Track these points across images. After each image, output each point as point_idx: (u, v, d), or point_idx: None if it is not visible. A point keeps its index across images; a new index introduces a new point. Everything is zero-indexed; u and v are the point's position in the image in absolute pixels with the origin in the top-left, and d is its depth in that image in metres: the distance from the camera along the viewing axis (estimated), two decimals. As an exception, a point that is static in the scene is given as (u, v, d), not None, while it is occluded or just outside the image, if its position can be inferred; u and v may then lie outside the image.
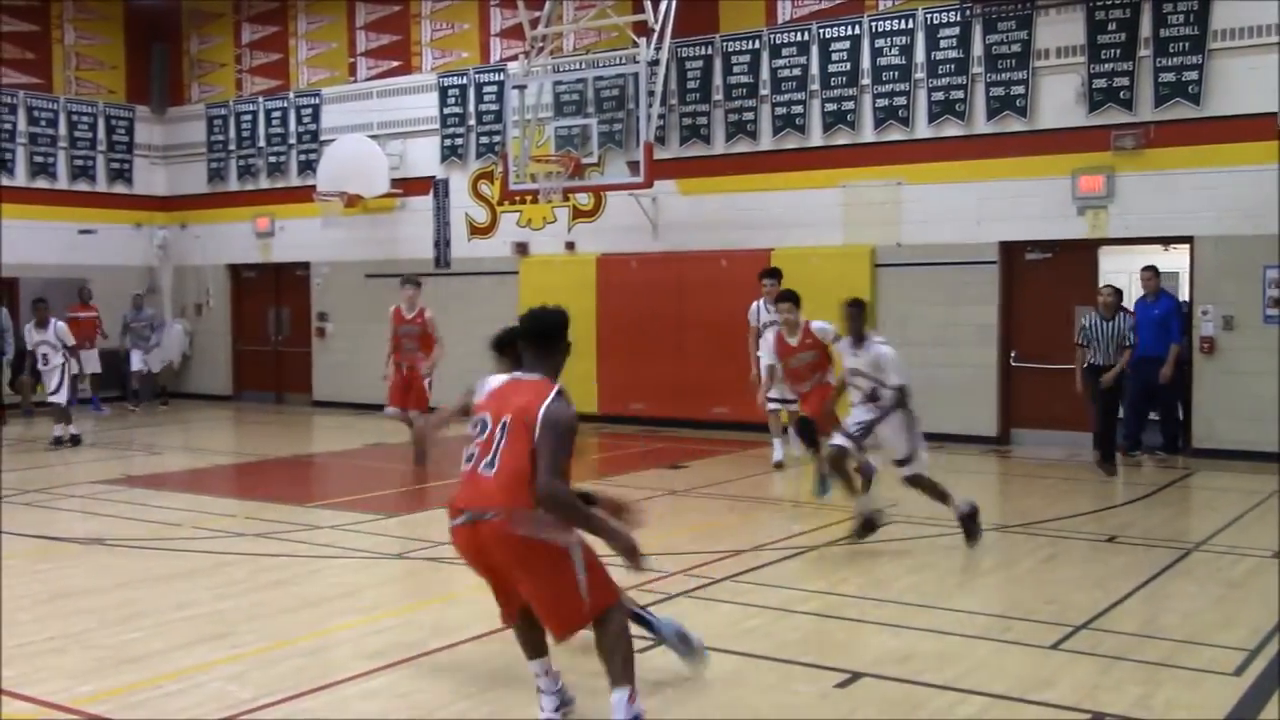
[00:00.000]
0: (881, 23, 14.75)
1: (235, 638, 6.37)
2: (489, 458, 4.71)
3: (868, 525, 8.54)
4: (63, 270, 19.42)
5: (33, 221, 19.20)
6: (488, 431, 4.77)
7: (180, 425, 17.82)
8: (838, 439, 8.66)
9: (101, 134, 20.69)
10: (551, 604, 4.66)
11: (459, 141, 18.08)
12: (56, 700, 5.39)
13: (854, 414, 8.67)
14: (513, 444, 4.67)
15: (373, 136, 18.51)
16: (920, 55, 14.50)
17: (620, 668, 4.67)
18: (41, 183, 19.88)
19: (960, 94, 14.24)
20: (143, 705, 5.35)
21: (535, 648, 5.00)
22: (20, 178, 19.59)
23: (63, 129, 20.15)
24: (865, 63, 14.82)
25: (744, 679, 5.60)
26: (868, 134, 14.89)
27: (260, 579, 7.78)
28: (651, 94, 15.05)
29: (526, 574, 4.66)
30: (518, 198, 16.96)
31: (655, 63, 14.91)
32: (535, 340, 5.00)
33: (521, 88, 16.12)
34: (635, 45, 15.24)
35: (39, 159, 19.88)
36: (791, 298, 10.87)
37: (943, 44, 14.39)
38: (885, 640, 6.28)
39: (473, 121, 17.90)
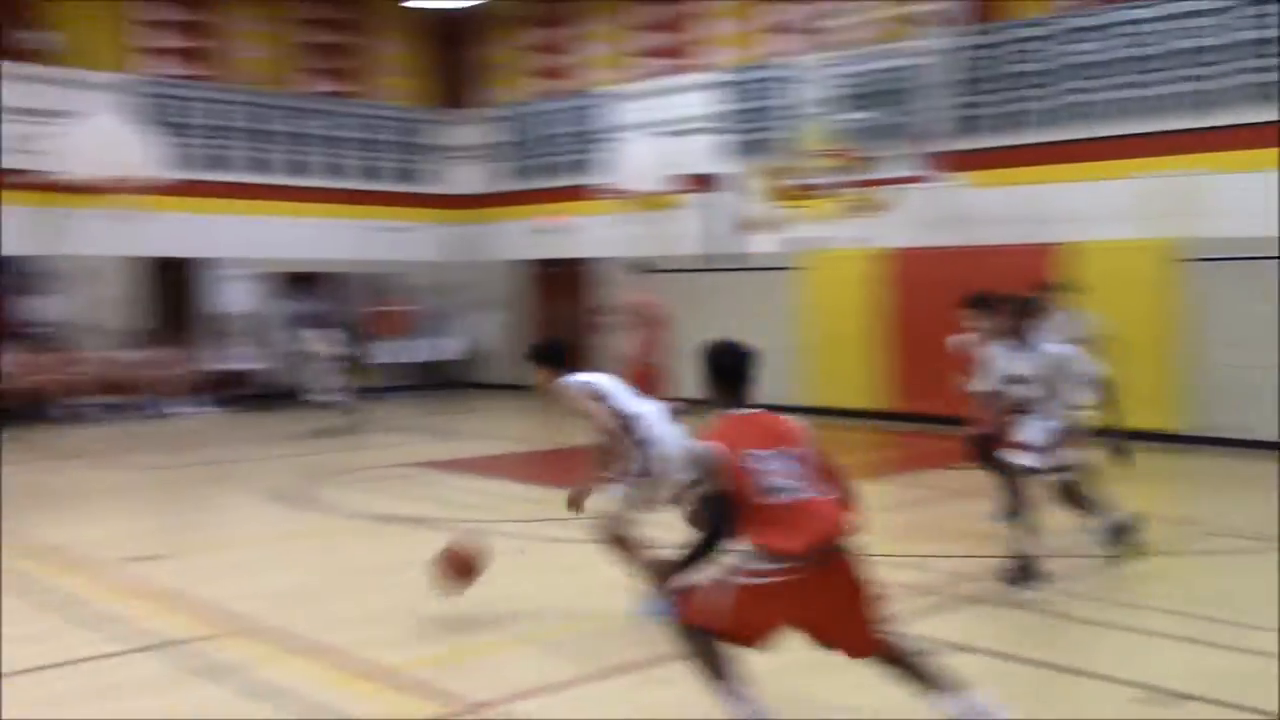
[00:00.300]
0: (1176, 4, 14.04)
1: (538, 619, 6.82)
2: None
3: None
4: (361, 265, 20.97)
5: (328, 219, 20.75)
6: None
7: (478, 414, 18.89)
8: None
9: (398, 136, 22.08)
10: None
11: (743, 137, 18.32)
12: (386, 663, 5.98)
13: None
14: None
15: (655, 134, 18.96)
16: (1221, 37, 13.72)
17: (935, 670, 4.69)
18: (341, 182, 21.33)
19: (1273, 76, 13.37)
20: (467, 670, 5.87)
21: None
22: (315, 178, 21.08)
23: (363, 132, 21.63)
24: (1163, 46, 14.14)
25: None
26: (1163, 121, 14.19)
27: (558, 562, 8.23)
28: (934, 85, 14.82)
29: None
30: (800, 193, 17.04)
31: (941, 52, 14.68)
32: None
33: (804, 82, 16.18)
34: (918, 36, 15.07)
35: (340, 160, 21.39)
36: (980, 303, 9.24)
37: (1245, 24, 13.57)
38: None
39: (754, 118, 18.11)
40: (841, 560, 4.53)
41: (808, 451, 4.66)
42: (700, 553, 4.55)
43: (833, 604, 4.53)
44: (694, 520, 4.79)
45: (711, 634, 4.57)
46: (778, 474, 4.53)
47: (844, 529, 4.55)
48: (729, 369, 4.85)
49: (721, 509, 4.51)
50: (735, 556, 4.56)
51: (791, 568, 4.43)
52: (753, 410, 4.77)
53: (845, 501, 4.65)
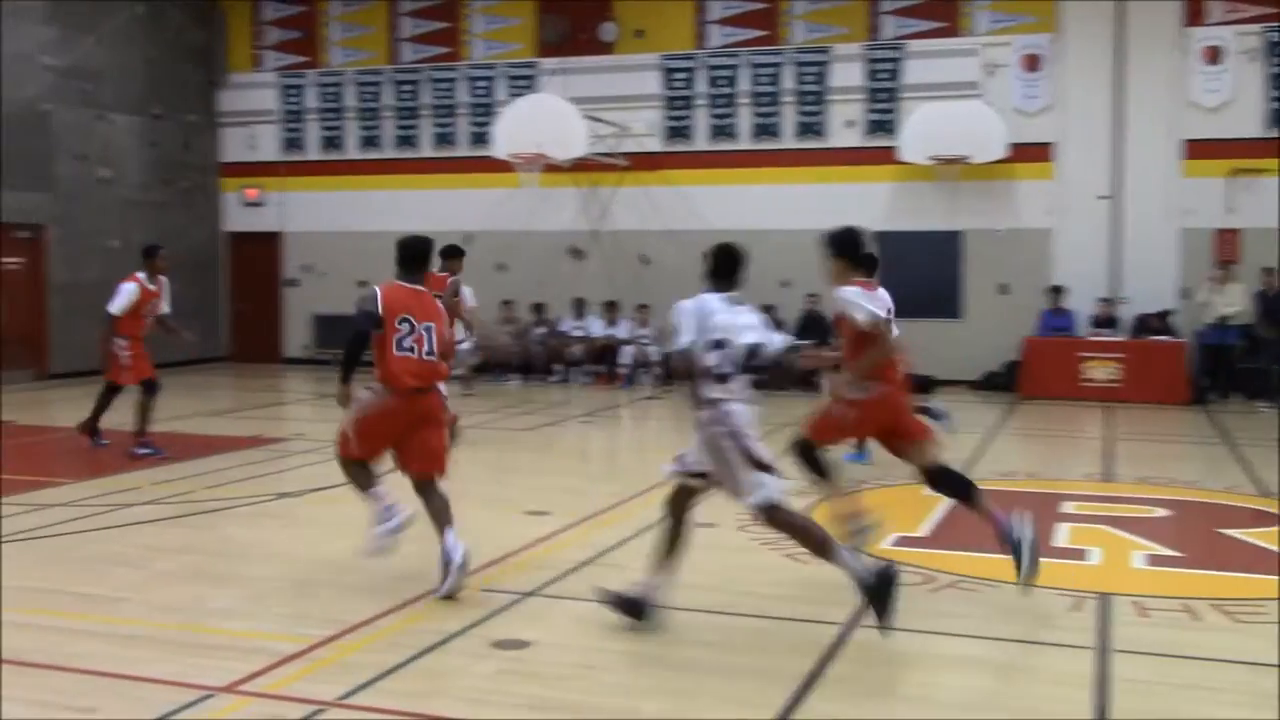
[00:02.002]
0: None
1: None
2: None
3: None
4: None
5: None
6: None
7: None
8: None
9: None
10: None
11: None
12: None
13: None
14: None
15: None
16: None
17: None
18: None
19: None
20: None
21: None
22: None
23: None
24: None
25: None
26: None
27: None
28: None
29: None
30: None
31: None
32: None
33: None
34: None
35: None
36: None
37: None
38: None
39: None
40: (427, 399, 6.74)
41: (435, 325, 6.75)
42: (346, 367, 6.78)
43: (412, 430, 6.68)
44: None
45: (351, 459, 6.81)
46: (406, 335, 6.63)
47: (434, 379, 6.76)
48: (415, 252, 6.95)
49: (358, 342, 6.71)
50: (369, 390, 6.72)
51: (395, 399, 6.62)
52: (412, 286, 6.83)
53: (441, 365, 6.81)
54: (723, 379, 5.83)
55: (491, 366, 18.77)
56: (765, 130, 19.36)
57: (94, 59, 19.74)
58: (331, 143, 21.77)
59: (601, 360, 19.04)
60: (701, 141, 19.68)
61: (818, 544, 5.86)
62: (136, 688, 5.14)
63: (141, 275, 11.55)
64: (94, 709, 4.89)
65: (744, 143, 19.50)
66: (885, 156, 18.51)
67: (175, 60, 21.40)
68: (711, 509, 8.79)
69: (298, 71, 21.92)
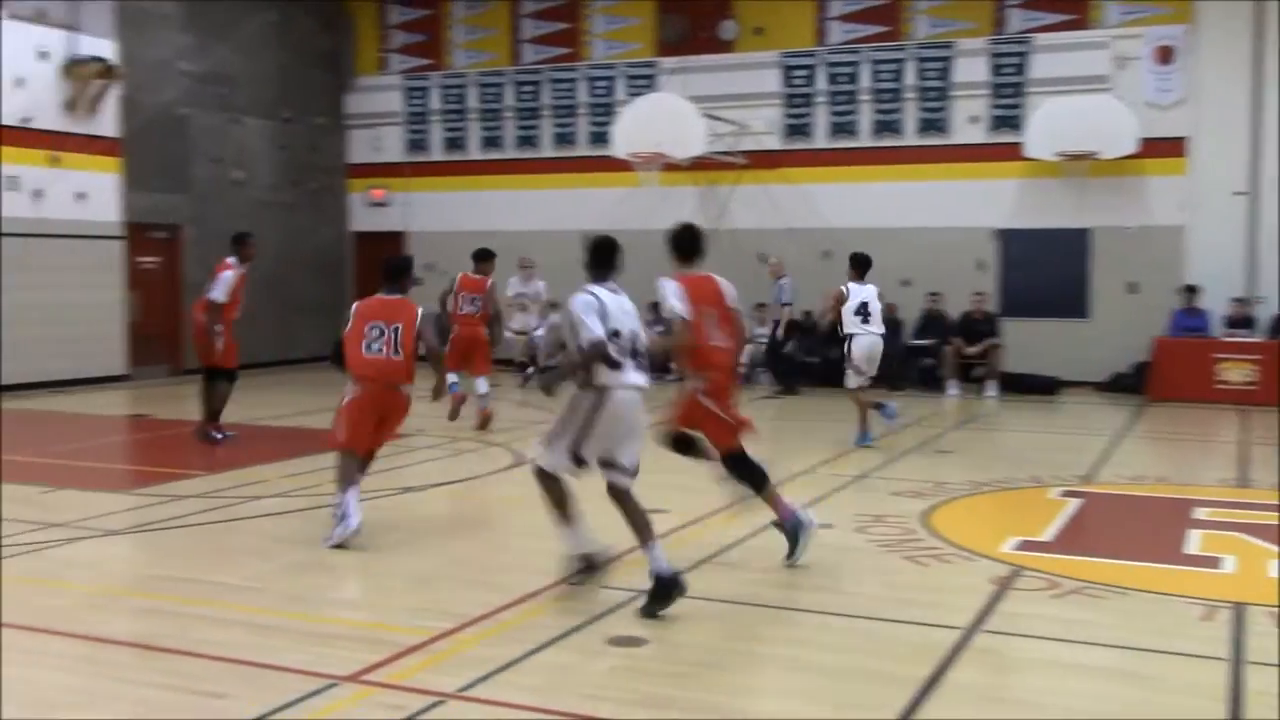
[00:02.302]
0: None
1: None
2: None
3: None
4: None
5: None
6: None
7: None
8: None
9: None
10: None
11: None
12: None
13: None
14: None
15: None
16: None
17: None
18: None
19: None
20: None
21: None
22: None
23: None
24: None
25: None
26: None
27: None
28: None
29: None
30: None
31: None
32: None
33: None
34: None
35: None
36: None
37: None
38: None
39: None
40: (392, 395, 7.93)
41: (400, 327, 7.84)
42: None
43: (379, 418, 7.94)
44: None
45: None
46: (375, 339, 7.83)
47: (396, 379, 7.88)
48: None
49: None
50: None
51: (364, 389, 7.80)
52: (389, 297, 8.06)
53: (407, 364, 7.89)
54: (616, 366, 6.21)
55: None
56: (886, 127, 19.12)
57: (228, 65, 20.35)
58: (454, 143, 22.12)
59: (718, 359, 18.87)
60: (821, 139, 19.52)
61: (559, 516, 6.36)
62: (264, 675, 5.29)
63: (233, 260, 11.83)
64: (223, 693, 5.05)
65: (865, 140, 19.28)
66: (1011, 153, 18.12)
67: (305, 65, 21.95)
68: (829, 510, 8.76)
69: (422, 74, 22.31)
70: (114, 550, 7.84)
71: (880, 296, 12.10)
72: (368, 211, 22.82)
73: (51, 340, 17.02)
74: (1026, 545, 7.79)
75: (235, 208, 20.28)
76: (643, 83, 20.40)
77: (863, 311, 11.84)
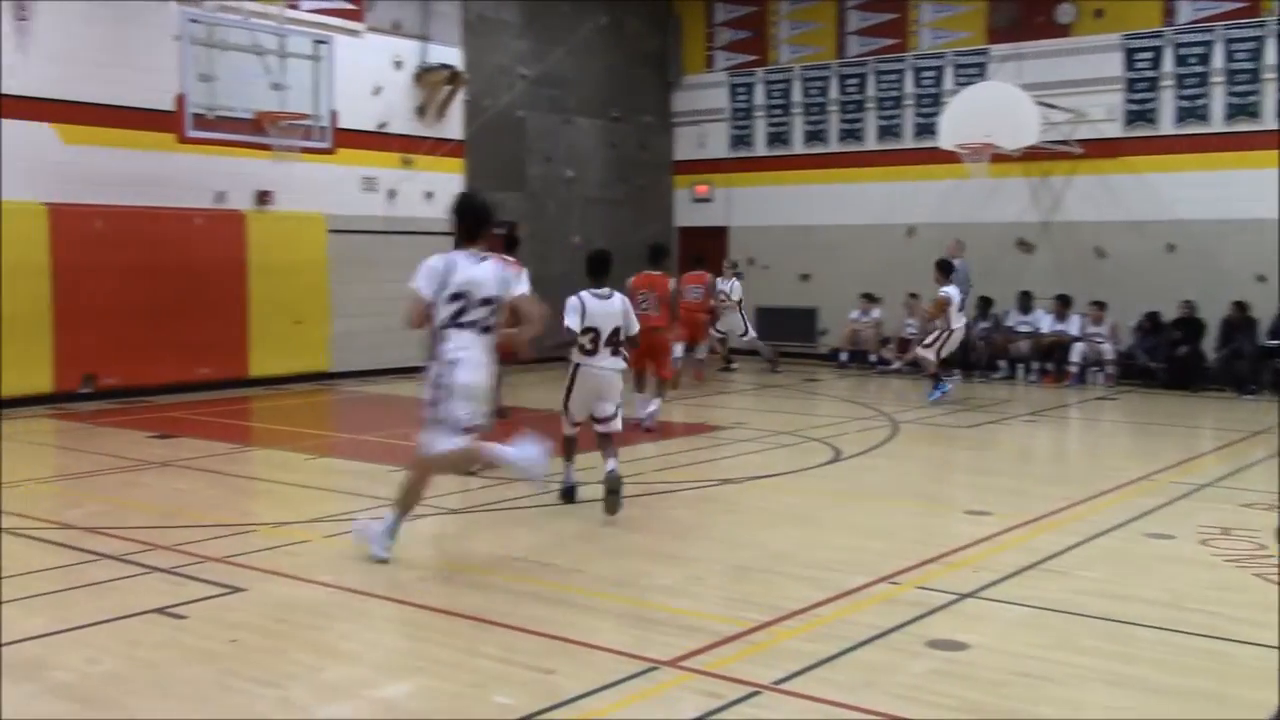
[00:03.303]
0: None
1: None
2: None
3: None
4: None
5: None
6: None
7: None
8: None
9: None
10: None
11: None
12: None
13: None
14: None
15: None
16: None
17: None
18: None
19: None
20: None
21: None
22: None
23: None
24: None
25: None
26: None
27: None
28: None
29: None
30: None
31: None
32: None
33: None
34: None
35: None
36: None
37: None
38: None
39: None
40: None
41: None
42: None
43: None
44: None
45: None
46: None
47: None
48: None
49: None
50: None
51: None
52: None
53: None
54: (588, 352, 8.41)
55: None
56: (1242, 110, 17.75)
57: (562, 67, 21.22)
58: (778, 138, 22.21)
59: (1049, 357, 18.24)
60: (1167, 125, 18.34)
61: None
62: (589, 654, 5.51)
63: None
64: (552, 669, 5.29)
65: (1217, 125, 17.97)
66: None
67: (633, 65, 22.61)
68: (1168, 520, 8.25)
69: (747, 70, 22.53)
70: (452, 528, 8.37)
71: None
72: (691, 207, 23.27)
73: (396, 330, 18.12)
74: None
75: (566, 205, 21.14)
76: (972, 72, 19.83)
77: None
